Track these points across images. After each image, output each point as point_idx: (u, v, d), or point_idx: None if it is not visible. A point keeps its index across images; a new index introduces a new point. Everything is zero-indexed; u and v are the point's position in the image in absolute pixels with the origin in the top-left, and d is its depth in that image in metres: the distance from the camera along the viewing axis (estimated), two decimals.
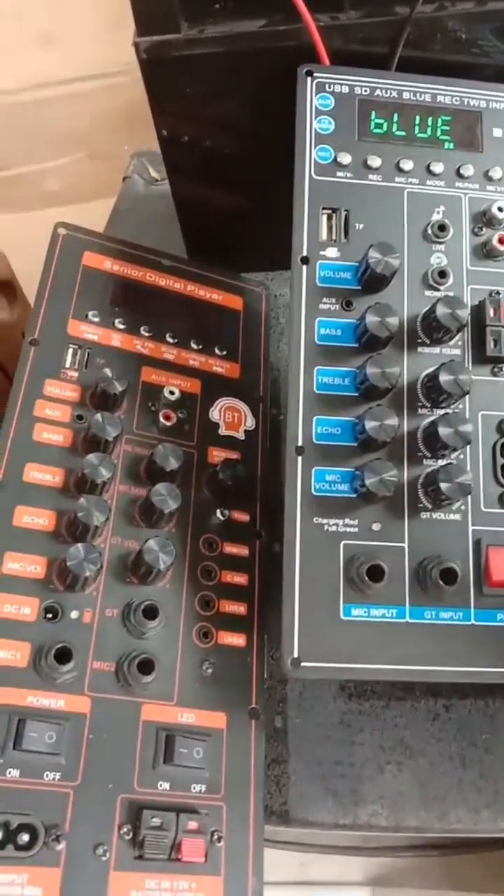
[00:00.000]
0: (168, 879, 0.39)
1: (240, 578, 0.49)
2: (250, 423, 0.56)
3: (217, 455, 0.53)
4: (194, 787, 0.41)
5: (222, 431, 0.54)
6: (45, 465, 0.47)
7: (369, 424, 0.43)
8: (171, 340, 0.56)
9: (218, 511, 0.51)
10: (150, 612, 0.44)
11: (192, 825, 0.40)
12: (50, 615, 0.43)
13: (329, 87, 0.50)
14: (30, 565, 0.44)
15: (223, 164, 0.61)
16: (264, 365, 0.59)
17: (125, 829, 0.39)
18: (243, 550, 0.50)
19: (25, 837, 0.37)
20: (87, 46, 1.15)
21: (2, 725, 0.39)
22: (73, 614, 0.43)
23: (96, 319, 0.54)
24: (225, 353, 0.57)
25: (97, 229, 0.62)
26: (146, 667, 0.42)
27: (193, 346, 0.56)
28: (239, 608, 0.48)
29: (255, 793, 0.43)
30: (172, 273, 0.59)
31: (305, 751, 0.47)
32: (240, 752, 0.44)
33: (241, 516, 0.51)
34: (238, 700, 0.45)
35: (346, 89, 0.50)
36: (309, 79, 0.50)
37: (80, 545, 0.43)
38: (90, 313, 0.54)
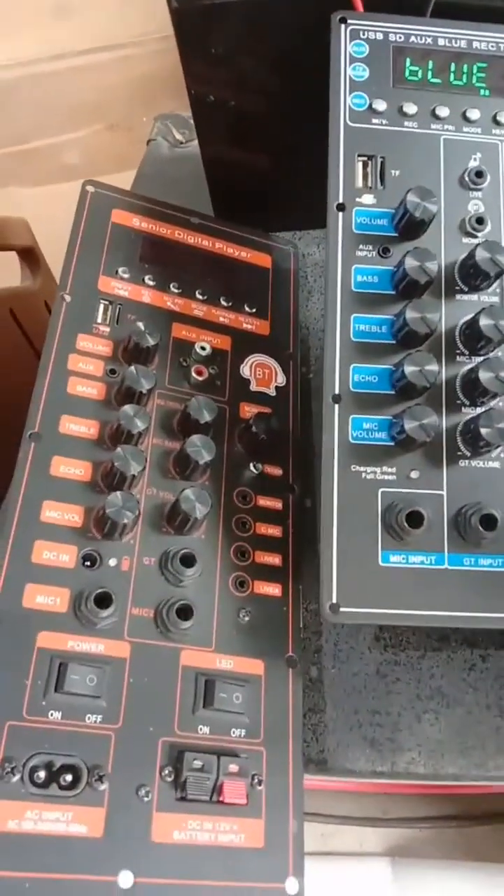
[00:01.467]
0: (210, 820, 0.39)
1: (274, 530, 0.49)
2: (281, 379, 0.56)
3: (249, 410, 0.53)
4: (234, 732, 0.42)
5: (253, 387, 0.54)
6: (80, 418, 0.47)
7: (409, 370, 0.42)
8: (200, 297, 0.56)
9: (251, 465, 0.51)
10: (188, 560, 0.44)
11: (233, 768, 0.40)
12: (88, 563, 0.43)
13: (363, 34, 0.49)
14: (67, 514, 0.44)
15: (252, 122, 0.60)
16: (294, 322, 0.59)
17: (167, 772, 0.39)
18: (277, 504, 0.50)
19: (69, 777, 0.38)
20: (102, 18, 1.14)
21: (44, 668, 0.39)
22: (112, 562, 0.43)
23: (126, 276, 0.54)
24: (254, 310, 0.57)
25: None
26: (185, 613, 0.42)
27: (223, 302, 0.56)
28: (274, 559, 0.48)
29: (293, 738, 0.43)
30: (201, 231, 0.59)
31: (342, 700, 0.47)
32: (278, 699, 0.44)
33: (275, 470, 0.51)
34: (275, 648, 0.45)
35: (380, 36, 0.49)
36: (343, 26, 0.49)
37: (118, 493, 0.43)
38: (120, 269, 0.54)
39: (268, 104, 0.58)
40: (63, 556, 0.43)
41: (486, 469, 0.44)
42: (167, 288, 0.55)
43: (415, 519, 0.42)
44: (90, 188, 0.57)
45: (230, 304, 0.56)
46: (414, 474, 0.44)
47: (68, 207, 0.57)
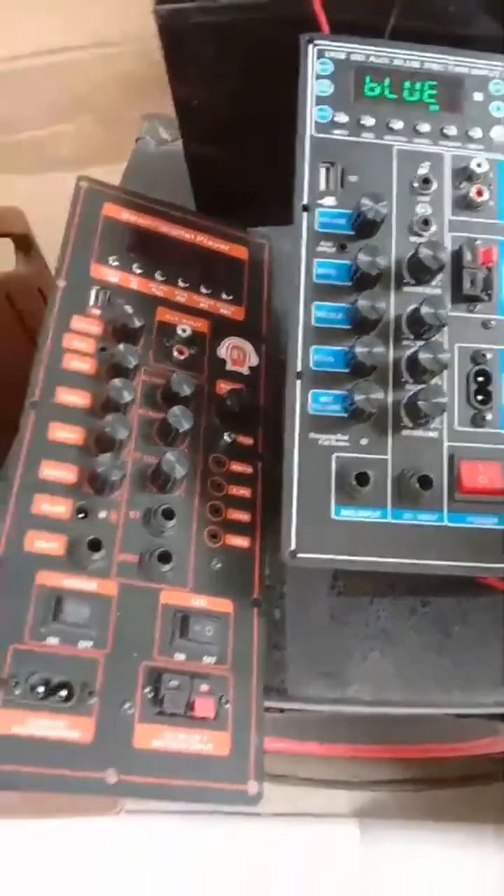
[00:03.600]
0: (184, 732, 0.46)
1: (244, 492, 0.56)
2: (254, 360, 0.62)
3: (224, 387, 0.59)
4: (206, 659, 0.48)
5: (229, 367, 0.61)
6: (75, 389, 0.53)
7: (359, 350, 0.49)
8: (182, 285, 0.62)
9: (225, 434, 0.57)
10: (168, 514, 0.51)
11: (204, 688, 0.47)
12: (81, 514, 0.50)
13: (328, 54, 0.55)
14: (63, 472, 0.50)
15: (232, 128, 0.66)
16: (267, 309, 0.65)
17: (147, 689, 0.46)
18: (247, 469, 0.57)
19: (63, 693, 0.44)
20: (97, 14, 1.19)
21: (44, 602, 0.46)
22: (102, 514, 0.50)
23: (116, 264, 0.60)
24: (231, 297, 0.63)
25: None
26: (165, 558, 0.49)
27: (203, 290, 0.62)
28: (244, 516, 0.55)
29: (257, 667, 0.50)
30: (183, 224, 0.65)
31: (300, 639, 0.54)
32: (244, 633, 0.50)
33: (246, 440, 0.58)
34: (242, 590, 0.52)
35: (343, 56, 0.56)
36: (311, 46, 0.55)
37: (107, 454, 0.50)
38: (111, 258, 0.60)
39: (247, 112, 0.64)
40: (59, 507, 0.49)
41: (425, 438, 0.51)
42: (153, 276, 0.61)
43: (362, 479, 0.49)
44: (83, 184, 0.63)
45: (209, 291, 0.63)
46: (364, 441, 0.51)
47: (59, 196, 0.62)
